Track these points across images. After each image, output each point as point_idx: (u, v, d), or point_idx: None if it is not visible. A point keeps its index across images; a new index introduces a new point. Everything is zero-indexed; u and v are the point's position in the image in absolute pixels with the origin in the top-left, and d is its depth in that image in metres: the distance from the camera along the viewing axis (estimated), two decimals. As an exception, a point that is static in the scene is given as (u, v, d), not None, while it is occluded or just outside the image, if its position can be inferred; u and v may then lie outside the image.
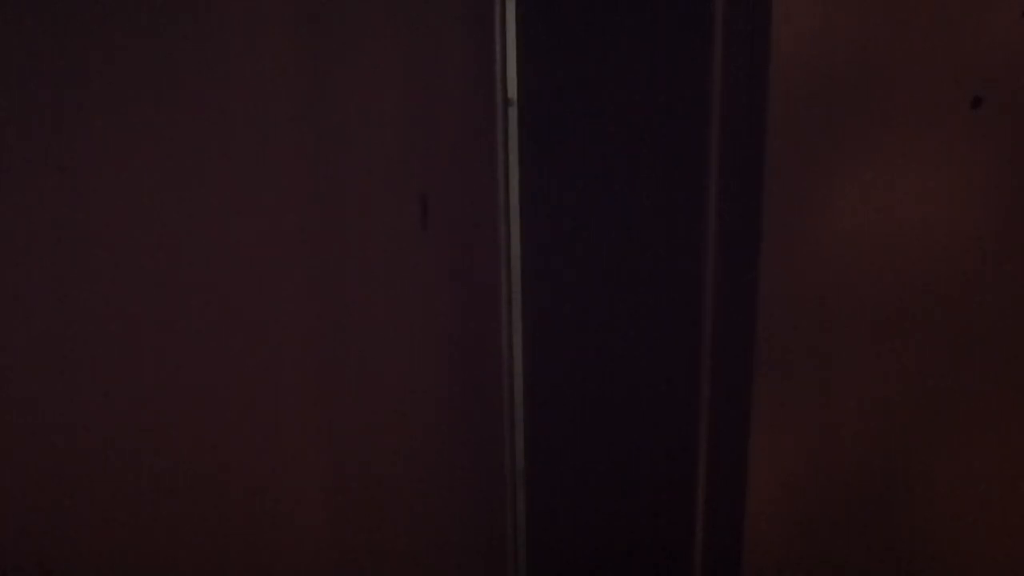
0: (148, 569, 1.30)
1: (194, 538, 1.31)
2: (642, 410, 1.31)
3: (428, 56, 1.23)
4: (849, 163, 1.16)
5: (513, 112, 1.29)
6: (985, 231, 1.22)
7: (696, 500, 1.29)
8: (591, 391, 1.34)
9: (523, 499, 1.46)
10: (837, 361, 1.24)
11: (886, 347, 1.24)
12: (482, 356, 1.38)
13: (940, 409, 1.29)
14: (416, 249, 1.26)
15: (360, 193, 1.24)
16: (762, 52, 1.09)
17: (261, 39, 1.15)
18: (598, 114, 1.24)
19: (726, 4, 1.11)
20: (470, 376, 1.38)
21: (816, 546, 1.32)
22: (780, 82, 1.10)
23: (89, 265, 1.17)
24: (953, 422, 1.30)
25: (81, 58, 1.10)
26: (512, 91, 1.30)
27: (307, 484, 1.33)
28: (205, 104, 1.15)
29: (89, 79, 1.11)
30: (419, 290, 1.29)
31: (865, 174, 1.17)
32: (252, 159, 1.18)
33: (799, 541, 1.31)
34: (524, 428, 1.42)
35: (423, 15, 1.21)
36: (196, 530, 1.30)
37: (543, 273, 1.34)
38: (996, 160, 1.19)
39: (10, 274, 1.15)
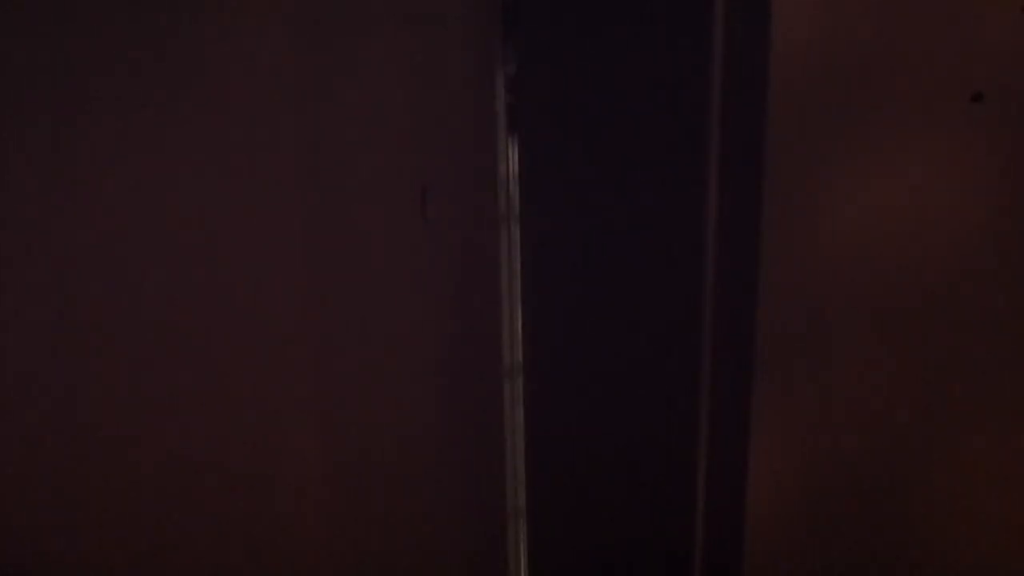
0: (147, 568, 1.30)
1: (192, 537, 1.30)
2: (642, 409, 1.31)
3: (430, 49, 1.23)
4: (849, 161, 1.16)
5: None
6: (986, 228, 1.22)
7: (696, 500, 1.29)
8: (591, 387, 1.34)
9: (523, 498, 1.46)
10: (837, 361, 1.24)
11: (886, 346, 1.24)
12: (482, 348, 1.38)
13: (940, 408, 1.29)
14: (417, 240, 1.27)
15: (362, 185, 1.24)
16: (762, 49, 1.09)
17: (263, 31, 1.16)
18: (598, 111, 1.24)
19: (726, 2, 1.12)
20: (470, 367, 1.38)
21: (816, 546, 1.32)
22: (780, 80, 1.10)
23: (88, 264, 1.17)
24: (953, 421, 1.30)
25: (79, 57, 1.10)
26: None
27: (304, 475, 1.33)
28: (206, 98, 1.15)
29: (87, 78, 1.11)
30: (420, 281, 1.29)
31: (865, 171, 1.17)
32: (254, 151, 1.18)
33: (799, 540, 1.31)
34: (524, 426, 1.42)
35: (425, 8, 1.22)
36: (194, 529, 1.30)
37: (543, 268, 1.34)
38: (997, 155, 1.18)
39: (9, 274, 1.15)
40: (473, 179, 1.30)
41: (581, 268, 1.30)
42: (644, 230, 1.25)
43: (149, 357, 1.23)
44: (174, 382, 1.24)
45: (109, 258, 1.18)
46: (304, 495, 1.34)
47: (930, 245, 1.21)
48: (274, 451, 1.31)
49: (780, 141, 1.11)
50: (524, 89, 1.28)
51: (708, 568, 1.31)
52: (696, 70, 1.15)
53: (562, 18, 1.24)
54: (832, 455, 1.28)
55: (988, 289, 1.24)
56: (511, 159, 1.32)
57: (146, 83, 1.12)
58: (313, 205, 1.23)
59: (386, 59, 1.21)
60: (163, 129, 1.14)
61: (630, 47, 1.20)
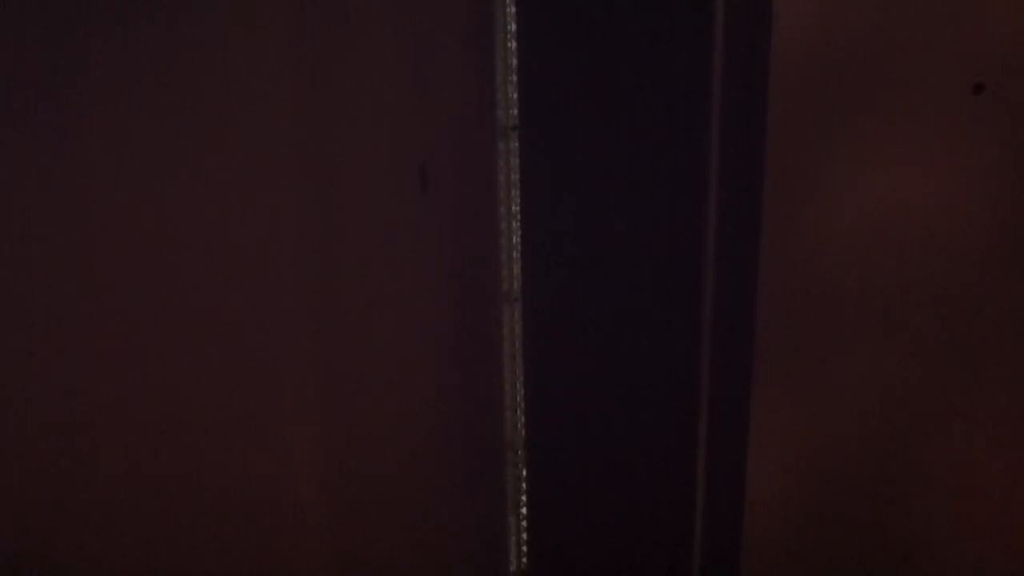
0: (148, 568, 1.30)
1: (193, 537, 1.30)
2: (642, 407, 1.31)
3: (429, 29, 1.23)
4: (850, 157, 1.15)
5: (513, 85, 1.30)
6: (988, 222, 1.21)
7: (696, 499, 1.29)
8: (590, 382, 1.34)
9: (524, 491, 1.46)
10: (837, 359, 1.23)
11: (886, 343, 1.24)
12: (479, 320, 1.38)
13: (939, 406, 1.29)
14: (416, 214, 1.27)
15: (362, 161, 1.25)
16: (762, 47, 1.08)
17: (266, 16, 1.15)
18: (598, 99, 1.23)
19: (726, 2, 1.11)
20: (469, 345, 1.38)
21: (815, 544, 1.32)
22: (780, 79, 1.09)
23: (87, 263, 1.17)
24: (952, 419, 1.29)
25: (79, 56, 1.10)
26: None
27: (304, 467, 1.34)
28: (212, 83, 1.15)
29: (87, 77, 1.11)
30: (418, 254, 1.30)
31: (866, 167, 1.16)
32: (252, 128, 1.18)
33: (798, 538, 1.31)
34: (524, 412, 1.41)
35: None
36: (195, 529, 1.30)
37: (542, 257, 1.33)
38: (998, 148, 1.18)
39: (8, 273, 1.14)
40: (470, 152, 1.30)
41: (580, 258, 1.30)
42: (644, 225, 1.24)
43: (146, 357, 1.23)
44: (172, 380, 1.24)
45: (106, 258, 1.18)
46: (303, 487, 1.34)
47: (931, 241, 1.20)
48: (274, 439, 1.31)
49: (780, 138, 1.11)
50: (524, 67, 1.27)
51: (707, 565, 1.32)
52: (697, 66, 1.14)
53: (566, 8, 1.23)
54: (831, 453, 1.28)
55: (989, 284, 1.24)
56: (510, 138, 1.32)
57: (147, 52, 1.12)
58: (311, 186, 1.23)
59: (385, 36, 1.21)
60: (164, 104, 1.14)
61: (633, 31, 1.18)
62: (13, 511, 1.23)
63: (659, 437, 1.31)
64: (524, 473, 1.44)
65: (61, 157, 1.12)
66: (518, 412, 1.43)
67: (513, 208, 1.34)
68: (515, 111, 1.30)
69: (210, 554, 1.31)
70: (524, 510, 1.45)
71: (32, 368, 1.18)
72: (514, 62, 1.28)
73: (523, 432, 1.43)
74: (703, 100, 1.15)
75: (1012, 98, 1.16)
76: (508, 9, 1.27)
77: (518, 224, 1.35)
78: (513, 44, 1.27)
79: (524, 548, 1.47)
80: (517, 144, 1.31)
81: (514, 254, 1.36)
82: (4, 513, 1.23)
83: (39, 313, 1.17)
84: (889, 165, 1.17)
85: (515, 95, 1.29)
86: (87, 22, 1.09)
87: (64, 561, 1.26)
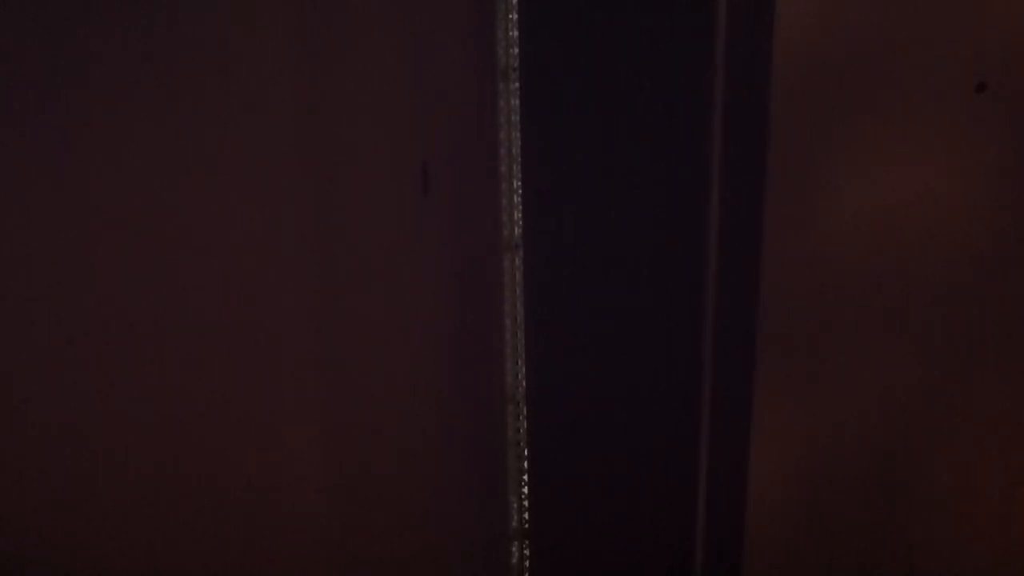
0: (148, 569, 1.30)
1: (193, 537, 1.30)
2: (643, 409, 1.31)
3: (429, 27, 1.23)
4: (851, 156, 1.15)
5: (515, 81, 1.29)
6: (989, 222, 1.21)
7: (697, 498, 1.29)
8: (592, 386, 1.34)
9: (525, 488, 1.46)
10: (838, 359, 1.23)
11: (887, 344, 1.24)
12: (482, 319, 1.37)
13: (941, 406, 1.28)
14: (417, 213, 1.27)
15: (364, 162, 1.24)
16: (765, 41, 1.08)
17: (266, 16, 1.15)
18: (599, 94, 1.22)
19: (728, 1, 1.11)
20: (471, 342, 1.38)
21: (816, 543, 1.32)
22: (783, 73, 1.09)
23: (87, 263, 1.17)
24: (954, 419, 1.29)
25: (79, 56, 1.10)
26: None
27: (305, 471, 1.33)
28: (212, 82, 1.15)
29: (87, 77, 1.11)
30: (420, 254, 1.30)
31: (868, 167, 1.16)
32: (259, 130, 1.18)
33: (799, 538, 1.31)
34: (526, 416, 1.41)
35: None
36: (196, 529, 1.30)
37: (543, 251, 1.33)
38: (998, 148, 1.18)
39: (8, 273, 1.14)
40: (473, 152, 1.30)
41: (581, 248, 1.29)
42: (645, 224, 1.24)
43: (147, 357, 1.22)
44: (173, 380, 1.24)
45: (107, 258, 1.18)
46: (304, 487, 1.34)
47: (932, 241, 1.20)
48: (274, 439, 1.31)
49: (782, 138, 1.11)
50: (525, 62, 1.27)
51: (709, 564, 1.32)
52: (700, 52, 1.14)
53: (567, 7, 1.22)
54: (833, 453, 1.28)
55: (990, 284, 1.24)
56: (513, 138, 1.31)
57: (147, 52, 1.12)
58: (313, 187, 1.23)
59: (386, 35, 1.21)
60: (164, 104, 1.14)
61: (633, 22, 1.18)
62: (13, 511, 1.23)
63: (661, 442, 1.30)
64: (527, 462, 1.44)
65: (61, 157, 1.12)
66: (520, 394, 1.43)
67: (516, 201, 1.34)
68: (517, 118, 1.29)
69: (211, 554, 1.31)
70: (527, 505, 1.45)
71: (32, 368, 1.18)
72: (515, 51, 1.27)
73: (525, 423, 1.42)
74: (704, 98, 1.15)
75: (1012, 98, 1.16)
76: (510, 7, 1.27)
77: (521, 219, 1.34)
78: (515, 37, 1.27)
79: (525, 552, 1.47)
80: (519, 145, 1.31)
81: (516, 249, 1.36)
82: (4, 513, 1.23)
83: (39, 313, 1.16)
84: (889, 165, 1.17)
85: (517, 86, 1.28)
86: (87, 22, 1.09)
87: (64, 561, 1.26)
